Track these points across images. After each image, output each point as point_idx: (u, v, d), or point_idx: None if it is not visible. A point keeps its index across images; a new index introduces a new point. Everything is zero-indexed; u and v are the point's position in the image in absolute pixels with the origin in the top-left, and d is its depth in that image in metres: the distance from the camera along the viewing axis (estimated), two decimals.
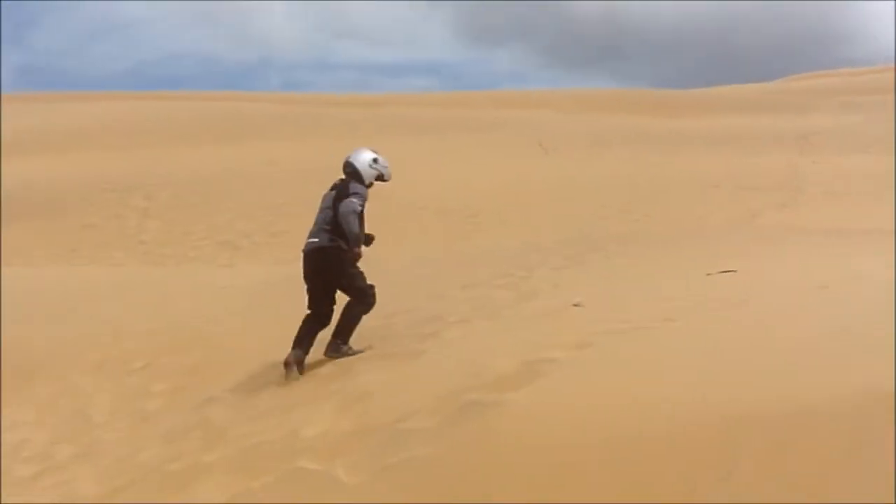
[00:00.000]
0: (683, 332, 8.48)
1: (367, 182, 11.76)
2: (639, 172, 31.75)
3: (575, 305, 10.49)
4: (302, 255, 11.74)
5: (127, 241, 26.70)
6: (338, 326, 11.37)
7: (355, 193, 11.41)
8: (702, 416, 5.99)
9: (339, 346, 11.20)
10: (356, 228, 11.27)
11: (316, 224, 11.64)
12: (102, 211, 29.09)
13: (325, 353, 11.17)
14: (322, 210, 11.65)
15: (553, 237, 15.92)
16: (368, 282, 11.48)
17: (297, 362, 10.96)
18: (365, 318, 11.39)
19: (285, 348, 11.40)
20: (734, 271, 11.34)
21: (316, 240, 11.48)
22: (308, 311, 11.53)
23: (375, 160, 11.86)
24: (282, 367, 10.76)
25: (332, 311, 11.58)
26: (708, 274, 11.31)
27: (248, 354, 11.96)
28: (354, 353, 11.15)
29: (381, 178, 11.96)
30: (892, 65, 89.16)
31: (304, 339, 11.27)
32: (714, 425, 5.82)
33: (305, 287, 11.65)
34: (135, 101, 56.37)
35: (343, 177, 11.85)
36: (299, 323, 11.34)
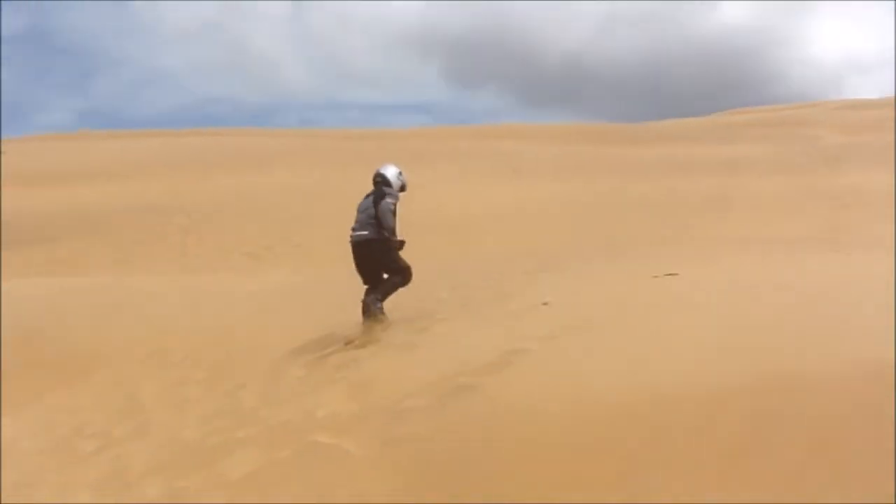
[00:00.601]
0: (634, 326, 8.50)
1: (395, 189, 12.36)
2: (596, 193, 31.80)
3: (544, 304, 10.48)
4: (350, 245, 12.21)
5: (170, 253, 26.72)
6: (380, 286, 12.03)
7: (390, 195, 12.08)
8: (644, 395, 6.13)
9: (376, 300, 11.86)
10: (391, 223, 11.95)
11: (359, 221, 12.17)
12: (150, 228, 29.17)
13: (363, 300, 11.86)
14: (362, 211, 12.20)
15: (525, 248, 15.97)
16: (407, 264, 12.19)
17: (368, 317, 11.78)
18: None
19: (302, 342, 11.51)
20: (676, 274, 11.33)
21: (365, 232, 12.02)
22: (366, 286, 12.14)
23: (400, 173, 12.55)
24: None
25: (378, 281, 12.22)
26: (654, 277, 11.31)
27: (271, 348, 11.96)
28: (382, 316, 11.77)
29: (403, 187, 12.56)
30: (803, 103, 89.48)
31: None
32: (650, 402, 5.93)
33: (357, 269, 12.24)
34: (177, 137, 56.35)
35: (373, 187, 12.35)
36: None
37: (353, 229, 12.27)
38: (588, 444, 5.77)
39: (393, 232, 12.08)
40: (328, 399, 8.76)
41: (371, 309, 11.81)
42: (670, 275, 11.33)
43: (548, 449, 5.91)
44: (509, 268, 14.25)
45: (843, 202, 28.83)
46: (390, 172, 12.57)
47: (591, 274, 13.20)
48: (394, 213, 12.12)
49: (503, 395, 7.03)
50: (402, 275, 12.17)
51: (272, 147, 47.34)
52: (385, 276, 12.21)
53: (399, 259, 12.19)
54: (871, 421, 4.93)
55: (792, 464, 4.84)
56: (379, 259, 12.15)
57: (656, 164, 39.45)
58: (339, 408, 8.34)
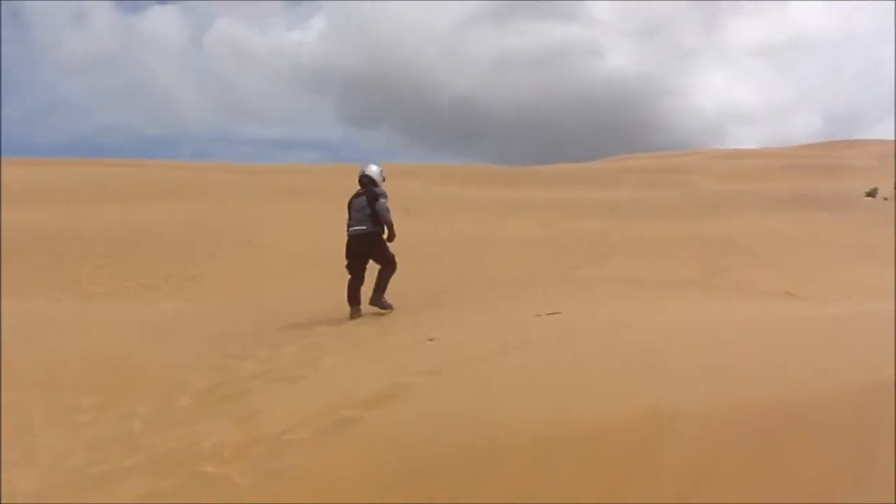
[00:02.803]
0: (515, 362, 8.55)
1: (381, 183, 14.35)
2: (484, 232, 32.04)
3: (429, 340, 10.49)
4: (347, 237, 14.04)
5: (64, 281, 26.27)
6: (376, 285, 13.82)
7: (382, 194, 14.02)
8: (526, 430, 6.11)
9: (379, 299, 13.72)
10: (390, 218, 13.95)
11: (355, 219, 14.00)
12: (45, 256, 28.67)
13: (371, 304, 13.67)
14: (359, 209, 13.98)
15: (413, 283, 15.99)
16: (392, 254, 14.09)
17: (356, 311, 13.73)
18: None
19: (193, 372, 11.37)
20: (558, 313, 11.43)
21: (363, 227, 13.90)
22: (349, 277, 14.05)
23: (381, 170, 14.56)
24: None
25: (364, 274, 14.10)
26: (537, 315, 11.39)
27: (162, 376, 11.81)
28: (390, 307, 13.76)
29: (383, 180, 14.52)
30: (685, 151, 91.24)
31: (354, 296, 13.89)
32: (532, 438, 5.94)
33: (346, 262, 14.10)
34: (75, 167, 55.59)
35: (360, 187, 14.25)
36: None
37: (350, 225, 14.01)
38: (469, 478, 5.78)
39: (392, 226, 13.96)
40: (215, 429, 8.69)
41: (378, 304, 13.66)
42: (552, 313, 11.43)
43: (428, 482, 5.92)
44: (396, 303, 14.24)
45: (718, 247, 29.49)
46: (374, 172, 14.34)
47: (476, 311, 13.27)
48: (388, 209, 13.89)
49: (385, 428, 7.04)
50: (391, 264, 14.00)
51: (169, 179, 46.93)
52: (373, 268, 13.91)
53: (388, 250, 14.03)
54: (742, 456, 5.02)
55: (670, 498, 4.90)
56: (373, 250, 13.93)
57: (543, 206, 39.89)
58: (225, 438, 8.28)
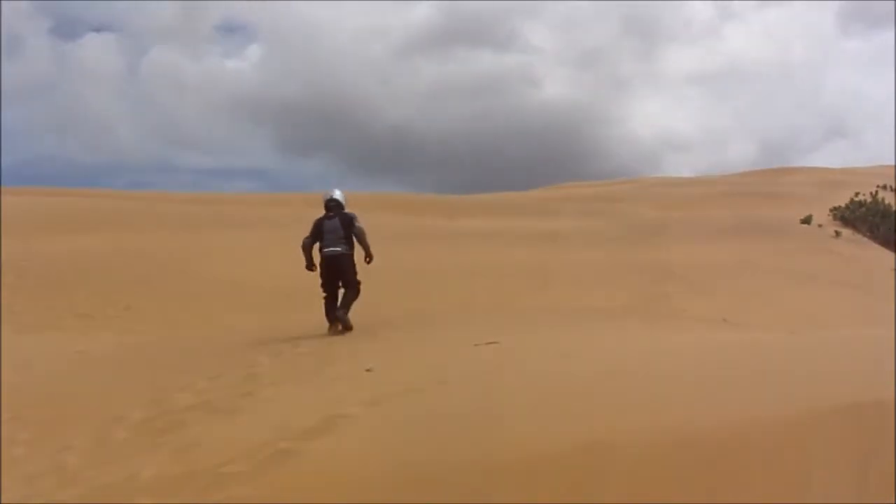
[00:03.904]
0: (453, 392, 8.61)
1: (346, 207, 15.58)
2: (422, 262, 31.98)
3: (367, 370, 10.52)
4: (324, 258, 15.17)
5: None
6: (343, 302, 15.08)
7: (356, 218, 15.35)
8: (463, 462, 6.15)
9: (345, 314, 14.91)
10: (368, 241, 15.28)
11: (330, 240, 15.15)
12: None
13: (337, 314, 14.87)
14: (333, 231, 15.18)
15: (351, 313, 16.02)
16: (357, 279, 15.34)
17: (335, 328, 14.84)
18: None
19: (129, 404, 11.28)
20: (497, 343, 11.49)
21: (338, 249, 15.10)
22: (325, 294, 15.20)
23: (344, 195, 15.68)
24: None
25: (338, 293, 15.18)
26: (475, 345, 11.45)
27: (98, 409, 11.69)
28: (351, 328, 14.82)
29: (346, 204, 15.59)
30: (621, 179, 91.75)
31: (331, 311, 15.07)
32: (469, 470, 5.98)
33: (322, 281, 15.20)
34: (11, 196, 54.82)
35: (329, 210, 15.42)
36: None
37: (326, 246, 15.11)
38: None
39: (369, 247, 15.29)
40: (152, 462, 8.62)
41: (343, 320, 14.76)
42: (490, 343, 11.49)
43: None
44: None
45: (656, 275, 29.71)
46: (339, 195, 15.57)
47: (414, 341, 13.32)
48: (365, 232, 15.24)
49: (324, 459, 7.04)
50: (356, 288, 15.20)
51: (106, 208, 46.42)
52: (342, 290, 15.12)
53: (356, 274, 15.23)
54: (678, 486, 5.09)
55: None
56: (345, 271, 15.09)
57: (480, 235, 39.93)
58: (162, 471, 8.22)
